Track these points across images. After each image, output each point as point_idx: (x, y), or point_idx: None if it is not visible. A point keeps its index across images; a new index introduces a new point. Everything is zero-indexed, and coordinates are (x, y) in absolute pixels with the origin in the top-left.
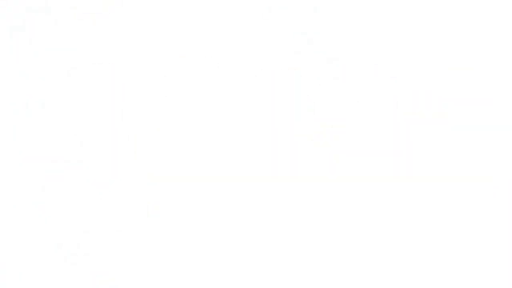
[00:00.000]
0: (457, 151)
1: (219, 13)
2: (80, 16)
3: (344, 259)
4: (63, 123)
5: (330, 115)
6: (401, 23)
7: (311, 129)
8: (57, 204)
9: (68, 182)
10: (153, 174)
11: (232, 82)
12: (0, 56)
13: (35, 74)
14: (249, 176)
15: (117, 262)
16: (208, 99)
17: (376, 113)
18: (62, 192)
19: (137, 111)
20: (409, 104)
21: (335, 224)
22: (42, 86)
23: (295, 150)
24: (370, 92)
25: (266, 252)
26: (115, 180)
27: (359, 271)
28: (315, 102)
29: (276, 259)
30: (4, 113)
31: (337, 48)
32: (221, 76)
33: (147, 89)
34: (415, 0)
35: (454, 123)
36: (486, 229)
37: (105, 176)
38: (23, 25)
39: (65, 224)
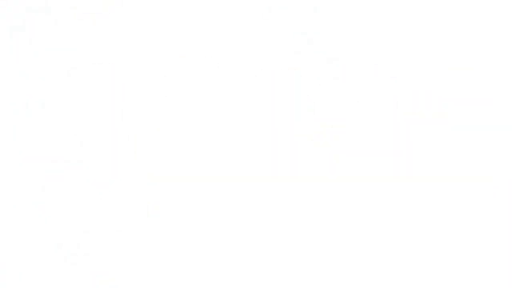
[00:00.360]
0: (457, 151)
1: (219, 13)
2: (80, 16)
3: (344, 259)
4: (63, 123)
5: (330, 115)
6: (401, 23)
7: (311, 129)
8: (57, 204)
9: (68, 182)
10: (153, 174)
11: (232, 82)
12: (0, 56)
13: (35, 74)
14: (249, 176)
15: (117, 262)
16: (208, 99)
17: (376, 113)
18: (62, 192)
19: (137, 111)
20: (409, 104)
21: (335, 224)
22: (42, 86)
23: (295, 150)
24: (370, 92)
25: (266, 252)
26: (115, 180)
27: (359, 271)
28: (315, 102)
29: (276, 258)
30: (4, 113)
31: (337, 48)
32: (221, 76)
33: (147, 89)
34: (415, 0)
35: (454, 123)
36: (486, 229)
37: (105, 176)
38: (23, 25)
39: (65, 224)
